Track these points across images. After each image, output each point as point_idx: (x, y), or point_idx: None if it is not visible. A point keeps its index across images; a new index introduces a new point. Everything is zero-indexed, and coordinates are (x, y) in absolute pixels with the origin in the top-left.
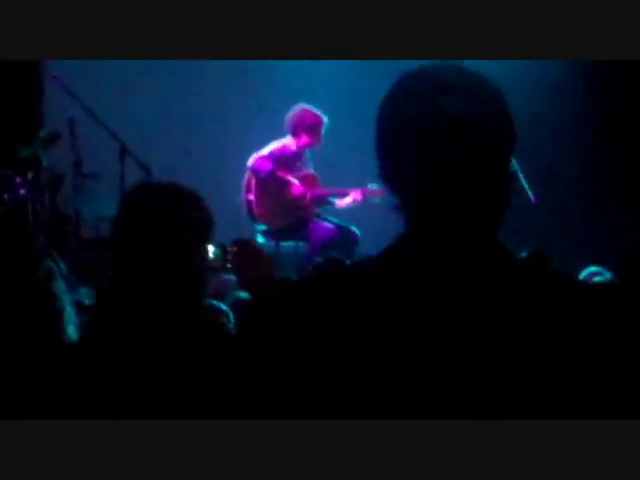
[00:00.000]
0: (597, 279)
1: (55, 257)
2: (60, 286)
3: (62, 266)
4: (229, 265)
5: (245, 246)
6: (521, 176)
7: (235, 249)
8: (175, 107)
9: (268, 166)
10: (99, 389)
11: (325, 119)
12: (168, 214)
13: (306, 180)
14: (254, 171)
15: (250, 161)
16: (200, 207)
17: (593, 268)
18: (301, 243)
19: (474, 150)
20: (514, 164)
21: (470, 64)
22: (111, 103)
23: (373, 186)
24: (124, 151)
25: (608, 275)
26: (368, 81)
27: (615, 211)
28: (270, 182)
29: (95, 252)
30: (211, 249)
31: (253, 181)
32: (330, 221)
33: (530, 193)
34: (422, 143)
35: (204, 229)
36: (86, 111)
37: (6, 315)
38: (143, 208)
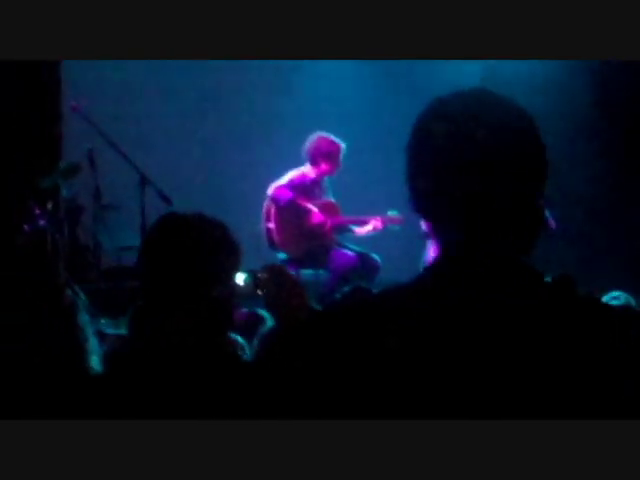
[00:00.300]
0: (614, 302)
1: (75, 287)
2: (84, 317)
3: (82, 296)
4: (259, 291)
5: (277, 272)
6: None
7: (266, 275)
8: (195, 133)
9: (288, 194)
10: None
11: (343, 146)
12: (194, 243)
13: (326, 208)
14: (274, 199)
15: (270, 190)
16: (227, 235)
17: (615, 293)
18: (321, 271)
19: (507, 178)
20: None
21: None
22: (129, 131)
23: (393, 214)
24: (144, 181)
25: (623, 298)
26: (388, 105)
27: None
28: (290, 210)
29: (115, 282)
30: (241, 276)
31: (273, 209)
32: (350, 248)
33: (550, 218)
34: (455, 172)
35: (231, 257)
36: (106, 141)
37: (30, 346)
38: (170, 237)
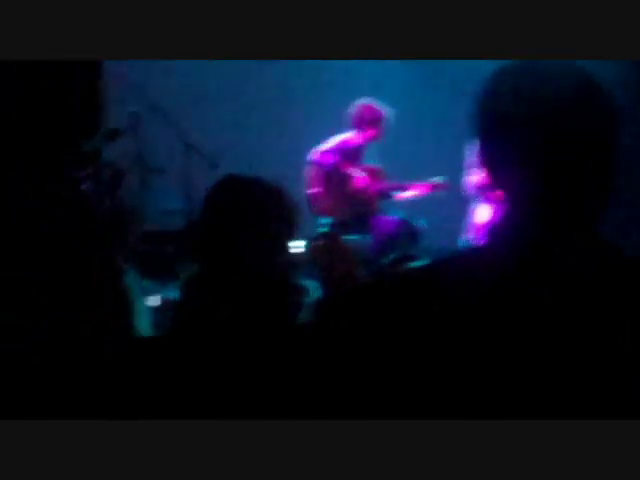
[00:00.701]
0: None
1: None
2: (132, 277)
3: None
4: (313, 259)
5: (332, 241)
6: None
7: (320, 242)
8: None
9: (331, 159)
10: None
11: (387, 112)
12: (255, 206)
13: (370, 173)
14: (318, 164)
15: (312, 155)
16: (287, 200)
17: None
18: (366, 236)
19: (578, 138)
20: None
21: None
22: (175, 98)
23: (437, 180)
24: (189, 146)
25: None
26: (431, 75)
27: None
28: (334, 175)
29: (158, 245)
30: (299, 243)
31: (316, 174)
32: (394, 214)
33: None
34: (526, 135)
35: (289, 222)
36: (152, 106)
37: (80, 309)
38: (230, 200)
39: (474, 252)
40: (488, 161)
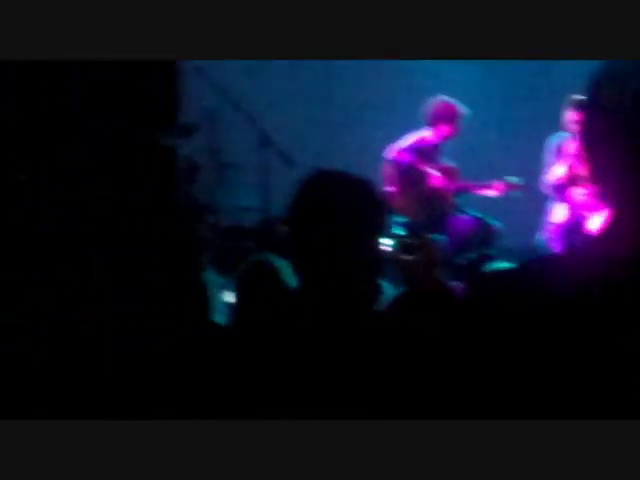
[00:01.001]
0: None
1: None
2: (210, 274)
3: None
4: (405, 257)
5: (426, 241)
6: None
7: (417, 242)
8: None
9: (408, 157)
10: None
11: (463, 110)
12: (347, 201)
13: (446, 172)
14: (394, 163)
15: (389, 153)
16: (378, 196)
17: None
18: (440, 236)
19: None
20: None
21: None
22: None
23: (514, 180)
24: (266, 141)
25: None
26: (507, 72)
27: None
28: (410, 174)
29: (234, 241)
30: (388, 240)
31: (393, 173)
32: (469, 213)
33: None
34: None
35: (382, 218)
36: (229, 100)
37: (157, 302)
38: (322, 195)
39: (570, 257)
40: (599, 171)
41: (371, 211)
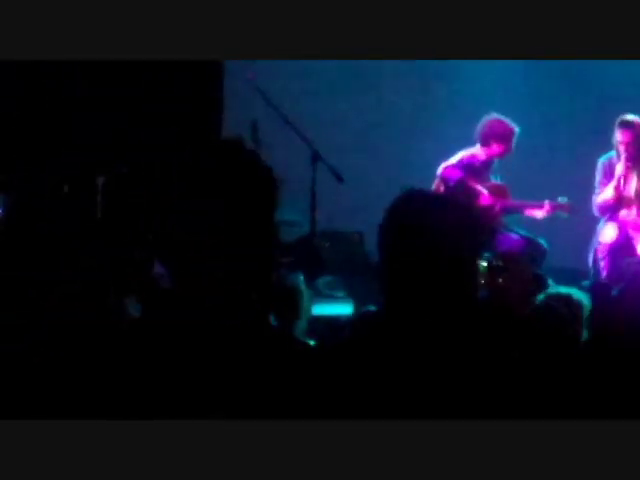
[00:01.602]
0: None
1: None
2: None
3: None
4: (497, 279)
5: (517, 262)
6: None
7: (505, 264)
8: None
9: (458, 174)
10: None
11: (516, 129)
12: (448, 222)
13: (495, 190)
14: (444, 179)
15: (439, 169)
16: (475, 215)
17: None
18: (488, 254)
19: None
20: None
21: None
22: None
23: (562, 200)
24: (316, 157)
25: None
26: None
27: None
28: (459, 191)
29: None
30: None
31: (442, 189)
32: (517, 232)
33: None
34: None
35: (478, 239)
36: (278, 114)
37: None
38: (421, 216)
39: None
40: None
41: (469, 233)
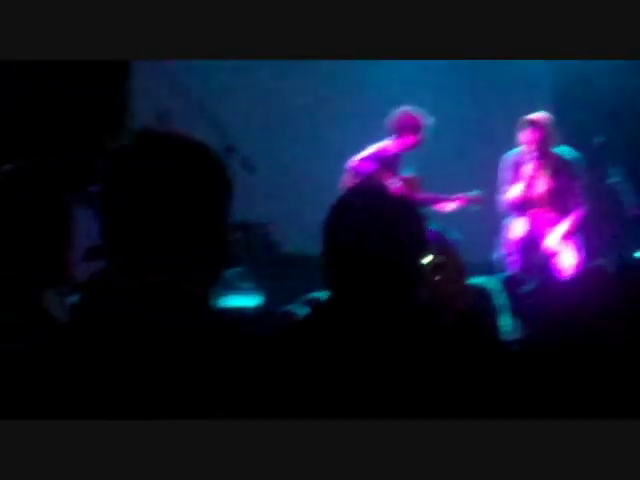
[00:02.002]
0: None
1: None
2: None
3: None
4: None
5: (451, 254)
6: (626, 188)
7: (443, 258)
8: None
9: (370, 167)
10: None
11: (427, 121)
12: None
13: (408, 183)
14: (356, 172)
15: (350, 163)
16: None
17: None
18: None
19: None
20: (618, 175)
21: None
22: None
23: (474, 193)
24: (230, 148)
25: None
26: (468, 85)
27: None
28: (372, 184)
29: None
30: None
31: (353, 183)
32: (430, 225)
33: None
34: None
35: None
36: (194, 105)
37: None
38: (365, 209)
39: None
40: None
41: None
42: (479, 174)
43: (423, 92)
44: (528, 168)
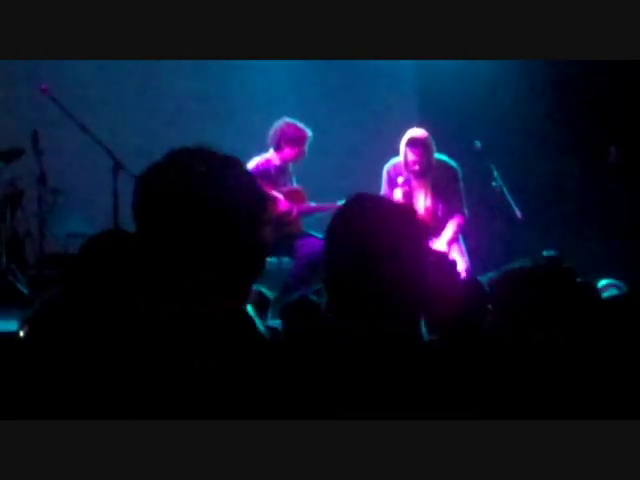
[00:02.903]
0: (613, 291)
1: (15, 272)
2: None
3: (21, 280)
4: None
5: None
6: (506, 191)
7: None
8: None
9: None
10: None
11: (309, 133)
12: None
13: (292, 195)
14: None
15: None
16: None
17: (606, 281)
18: (285, 259)
19: None
20: (498, 179)
21: None
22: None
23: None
24: (118, 166)
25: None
26: (346, 93)
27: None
28: None
29: (59, 269)
30: None
31: None
32: (316, 237)
33: (516, 209)
34: None
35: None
36: (77, 125)
37: None
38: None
39: None
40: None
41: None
42: (363, 183)
43: (304, 100)
44: (408, 178)
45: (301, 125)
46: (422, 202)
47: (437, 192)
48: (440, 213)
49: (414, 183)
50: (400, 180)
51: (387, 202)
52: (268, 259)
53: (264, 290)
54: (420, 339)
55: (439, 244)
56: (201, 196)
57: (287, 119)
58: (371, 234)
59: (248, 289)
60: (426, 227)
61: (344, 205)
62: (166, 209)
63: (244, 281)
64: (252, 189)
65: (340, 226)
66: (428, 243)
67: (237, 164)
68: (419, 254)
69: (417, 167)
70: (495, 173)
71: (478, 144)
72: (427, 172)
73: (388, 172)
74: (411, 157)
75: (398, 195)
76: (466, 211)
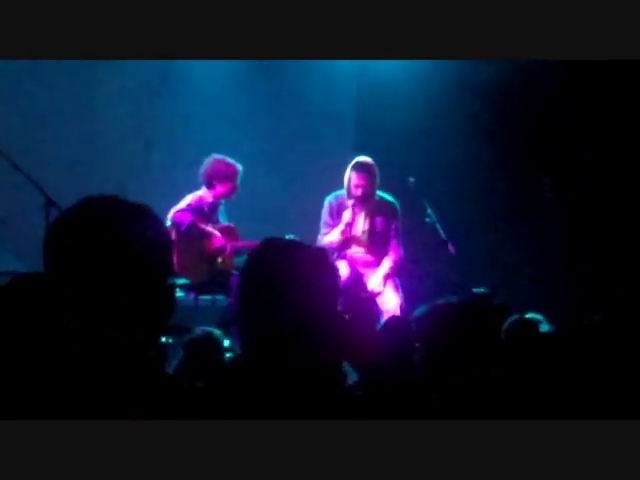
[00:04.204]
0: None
1: None
2: None
3: None
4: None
5: None
6: (438, 226)
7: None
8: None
9: (188, 218)
10: None
11: (239, 168)
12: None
13: (225, 232)
14: (176, 224)
15: (170, 214)
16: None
17: (533, 314)
18: (219, 297)
19: None
20: (432, 215)
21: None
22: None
23: (291, 237)
24: (50, 202)
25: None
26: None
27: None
28: (190, 234)
29: None
30: None
31: (173, 234)
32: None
33: (449, 244)
34: None
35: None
36: (8, 161)
37: None
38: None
39: None
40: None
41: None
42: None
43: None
44: (349, 211)
45: (230, 160)
46: (361, 226)
47: (376, 223)
48: (377, 240)
49: (356, 209)
50: (350, 203)
51: (298, 245)
52: (202, 296)
53: (215, 330)
54: (342, 381)
55: (375, 279)
56: (106, 244)
57: (216, 155)
58: (281, 274)
59: (159, 325)
60: (336, 269)
61: (257, 246)
62: (73, 259)
63: (150, 326)
64: (158, 237)
65: (253, 265)
66: (339, 284)
67: (145, 212)
68: (330, 293)
69: (360, 191)
70: (428, 209)
71: (411, 180)
72: (369, 198)
73: (330, 203)
74: (355, 181)
75: (347, 216)
76: (402, 249)
